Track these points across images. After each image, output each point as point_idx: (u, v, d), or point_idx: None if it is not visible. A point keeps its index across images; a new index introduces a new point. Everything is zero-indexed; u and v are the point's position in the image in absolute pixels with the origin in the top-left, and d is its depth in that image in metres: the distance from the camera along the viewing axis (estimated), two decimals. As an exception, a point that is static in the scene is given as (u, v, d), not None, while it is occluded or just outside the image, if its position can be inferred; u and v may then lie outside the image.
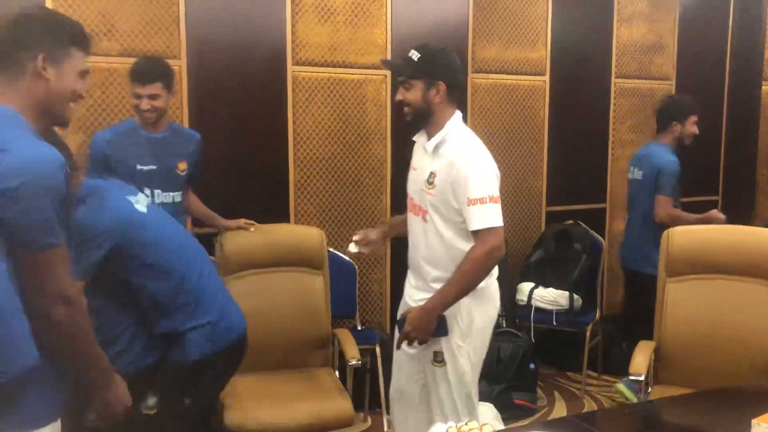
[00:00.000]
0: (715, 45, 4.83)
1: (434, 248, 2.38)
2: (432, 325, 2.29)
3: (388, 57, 3.68)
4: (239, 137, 3.42)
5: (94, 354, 1.64)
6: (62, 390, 1.57)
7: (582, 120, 4.38)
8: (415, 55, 2.34)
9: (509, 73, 4.12)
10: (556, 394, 3.93)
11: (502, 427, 2.83)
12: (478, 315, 2.39)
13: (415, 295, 2.46)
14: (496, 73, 4.08)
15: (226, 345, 2.24)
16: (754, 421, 1.74)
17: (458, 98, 2.46)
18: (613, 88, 4.46)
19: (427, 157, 2.41)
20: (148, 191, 2.75)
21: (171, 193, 2.86)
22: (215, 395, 2.44)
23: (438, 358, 2.38)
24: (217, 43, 3.34)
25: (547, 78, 4.24)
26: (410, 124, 2.43)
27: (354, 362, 2.80)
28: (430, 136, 2.40)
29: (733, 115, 4.87)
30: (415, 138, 2.50)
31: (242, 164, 3.44)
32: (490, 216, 2.24)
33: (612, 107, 4.48)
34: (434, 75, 2.33)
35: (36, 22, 1.57)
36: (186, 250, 2.27)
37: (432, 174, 2.36)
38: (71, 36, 1.60)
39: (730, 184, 4.95)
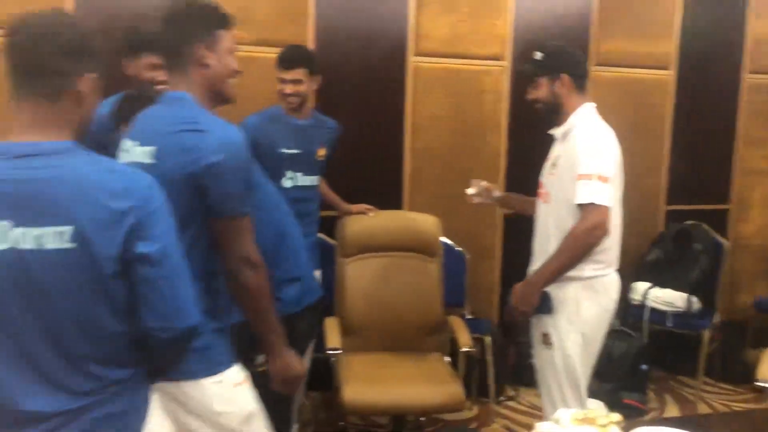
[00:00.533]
0: None
1: (551, 231, 2.43)
2: (535, 300, 2.34)
3: (509, 49, 3.69)
4: (359, 125, 3.51)
5: (273, 316, 1.80)
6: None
7: (708, 116, 4.20)
8: (538, 54, 2.50)
9: (632, 67, 4.02)
10: (668, 397, 3.82)
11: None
12: (588, 303, 2.40)
13: None
14: (619, 66, 3.98)
15: (313, 301, 2.45)
16: None
17: (586, 88, 2.53)
18: (743, 84, 4.25)
19: (557, 145, 2.52)
20: (290, 173, 2.94)
21: (310, 177, 3.02)
22: (302, 352, 2.51)
23: (546, 341, 2.42)
24: (343, 34, 3.46)
25: (672, 72, 4.09)
26: (543, 119, 2.53)
27: (467, 349, 2.85)
28: (560, 125, 2.49)
29: None
30: (551, 131, 2.55)
31: (360, 151, 3.54)
32: (596, 192, 2.24)
33: (741, 104, 4.27)
34: (557, 69, 2.46)
35: (184, 15, 1.75)
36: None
37: (558, 156, 2.46)
38: (217, 20, 1.76)
39: None
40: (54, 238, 1.27)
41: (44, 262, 1.28)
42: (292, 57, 2.91)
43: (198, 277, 1.54)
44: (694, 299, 3.83)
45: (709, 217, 4.17)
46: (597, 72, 3.92)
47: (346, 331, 2.94)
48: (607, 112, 3.95)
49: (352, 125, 3.50)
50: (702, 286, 3.89)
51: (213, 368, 1.71)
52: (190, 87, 1.71)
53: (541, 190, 2.55)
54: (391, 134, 3.62)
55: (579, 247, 2.27)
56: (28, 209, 1.27)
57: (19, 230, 1.27)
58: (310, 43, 3.38)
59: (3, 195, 1.29)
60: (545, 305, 2.36)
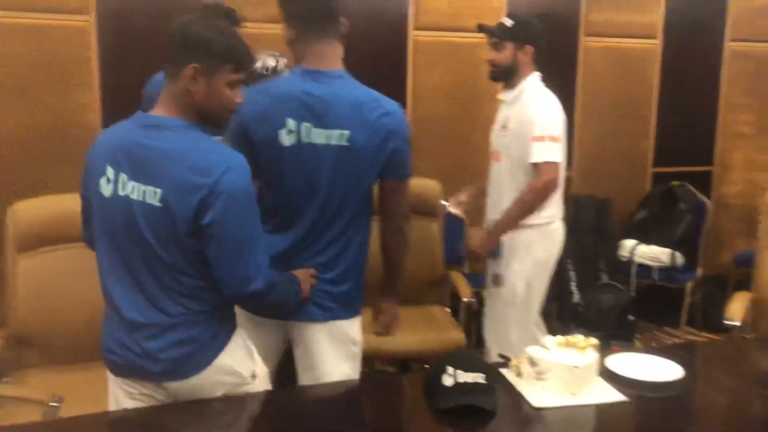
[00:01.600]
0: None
1: (504, 187, 2.78)
2: (492, 246, 2.72)
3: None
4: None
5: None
6: None
7: (692, 83, 4.44)
8: (508, 21, 2.75)
9: (621, 37, 4.24)
10: (653, 345, 4.11)
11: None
12: (539, 247, 2.79)
13: None
14: (608, 36, 4.21)
15: None
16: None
17: (539, 62, 2.80)
18: (726, 52, 4.47)
19: (505, 108, 2.82)
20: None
21: None
22: None
23: (497, 281, 2.80)
24: (347, 9, 3.65)
25: (659, 41, 4.32)
26: (493, 80, 2.85)
27: (467, 299, 3.12)
28: (508, 90, 2.80)
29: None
30: (499, 96, 2.86)
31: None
32: (548, 151, 2.60)
33: (724, 71, 4.50)
34: (524, 39, 2.72)
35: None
36: None
37: (507, 118, 2.77)
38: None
39: None
40: (150, 195, 1.59)
41: (143, 212, 1.61)
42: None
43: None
44: (678, 255, 4.11)
45: (693, 178, 4.42)
46: (587, 42, 4.15)
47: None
48: (596, 80, 4.23)
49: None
50: (686, 243, 4.17)
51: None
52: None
53: (492, 150, 2.88)
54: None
55: (536, 200, 2.64)
56: (140, 169, 1.61)
57: (132, 183, 1.61)
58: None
59: (128, 154, 1.63)
60: (497, 250, 2.75)
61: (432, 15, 3.81)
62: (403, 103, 3.83)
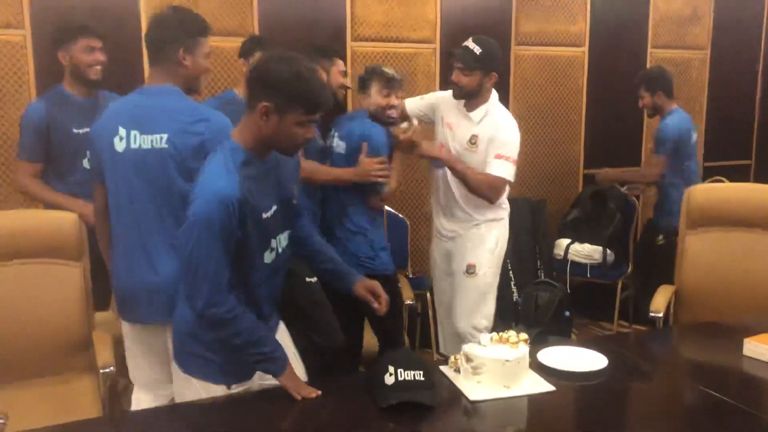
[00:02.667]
0: (751, 14, 5.03)
1: (459, 195, 3.03)
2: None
3: (438, 32, 4.04)
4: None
5: None
6: None
7: (619, 88, 4.66)
8: (477, 49, 2.88)
9: (550, 45, 4.43)
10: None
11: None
12: (501, 239, 3.11)
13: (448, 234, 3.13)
14: (538, 45, 4.39)
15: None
16: (746, 340, 2.11)
17: None
18: (649, 58, 4.73)
19: (468, 123, 2.98)
20: None
21: None
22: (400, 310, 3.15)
23: (471, 270, 3.03)
24: (286, 21, 3.74)
25: (586, 49, 4.53)
26: (456, 98, 3.02)
27: (410, 302, 3.23)
28: (472, 108, 2.97)
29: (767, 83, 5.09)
30: (470, 114, 2.99)
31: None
32: (508, 171, 2.88)
33: (648, 76, 4.74)
34: (491, 68, 2.91)
35: (170, 21, 2.14)
36: None
37: (474, 136, 2.95)
38: (198, 29, 2.15)
39: (764, 149, 5.19)
40: (158, 141, 2.06)
41: (155, 155, 2.06)
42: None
43: None
44: (609, 252, 4.32)
45: (621, 178, 4.64)
46: (518, 51, 4.33)
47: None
48: (528, 87, 4.41)
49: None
50: (616, 241, 4.38)
51: None
52: (170, 81, 2.14)
53: None
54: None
55: (484, 190, 2.89)
56: (146, 123, 2.08)
57: (142, 136, 2.08)
58: (255, 32, 3.66)
59: (137, 115, 2.11)
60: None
61: (368, 26, 3.92)
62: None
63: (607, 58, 4.59)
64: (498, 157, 2.86)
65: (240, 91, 3.24)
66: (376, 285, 2.10)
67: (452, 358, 1.98)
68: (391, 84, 2.89)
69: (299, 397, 1.82)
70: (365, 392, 1.83)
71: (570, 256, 4.33)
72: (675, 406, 1.92)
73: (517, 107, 4.30)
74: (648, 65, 4.71)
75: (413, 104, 3.22)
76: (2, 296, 2.43)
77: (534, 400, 1.83)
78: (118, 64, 3.11)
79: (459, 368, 1.93)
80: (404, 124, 2.88)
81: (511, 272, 4.33)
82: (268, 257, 1.90)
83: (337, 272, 2.14)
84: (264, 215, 1.83)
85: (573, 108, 4.59)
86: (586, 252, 4.32)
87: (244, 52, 3.18)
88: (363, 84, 2.95)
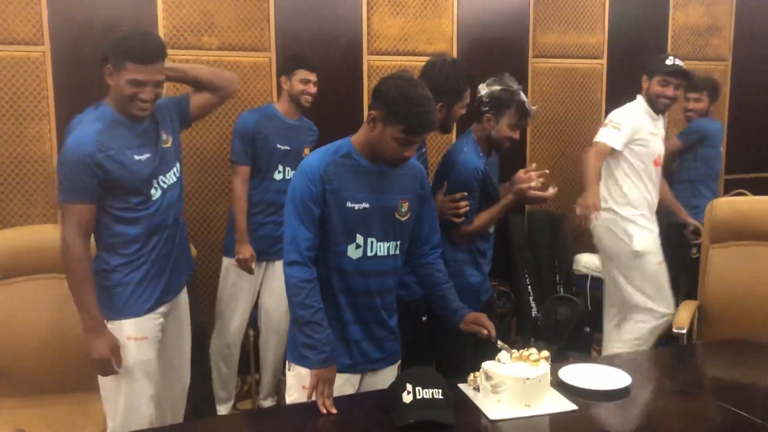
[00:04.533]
0: (772, 25, 4.97)
1: None
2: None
3: (455, 45, 4.03)
4: (321, 123, 3.81)
5: None
6: None
7: (638, 100, 4.61)
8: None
9: (568, 57, 4.40)
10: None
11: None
12: None
13: None
14: (556, 57, 4.36)
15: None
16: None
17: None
18: (668, 70, 4.66)
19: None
20: (281, 167, 3.21)
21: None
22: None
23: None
24: (302, 37, 3.74)
25: (604, 61, 4.49)
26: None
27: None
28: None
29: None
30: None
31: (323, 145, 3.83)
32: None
33: (667, 88, 4.68)
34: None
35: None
36: None
37: None
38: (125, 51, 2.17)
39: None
40: None
41: None
42: (314, 60, 3.26)
43: None
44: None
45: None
46: (536, 63, 4.30)
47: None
48: (546, 100, 4.37)
49: (317, 121, 3.80)
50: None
51: None
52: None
53: None
54: (351, 130, 3.89)
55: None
56: None
57: None
58: (272, 47, 3.66)
59: None
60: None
61: (384, 40, 3.91)
62: (360, 125, 3.92)
63: (625, 69, 4.54)
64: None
65: (279, 106, 3.27)
66: (481, 317, 2.10)
67: (471, 376, 1.94)
68: (527, 118, 2.58)
69: (309, 399, 1.89)
70: (383, 411, 1.79)
71: (590, 272, 4.27)
72: (701, 426, 1.87)
73: (534, 120, 4.26)
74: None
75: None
76: (41, 308, 2.47)
77: (556, 419, 1.78)
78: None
79: (478, 386, 1.89)
80: (552, 190, 2.54)
81: (529, 287, 4.28)
82: (353, 252, 1.99)
83: (447, 306, 2.17)
84: (349, 204, 1.96)
85: (592, 120, 4.54)
86: (606, 266, 4.25)
87: (286, 69, 3.25)
88: (498, 109, 2.52)
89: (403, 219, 2.06)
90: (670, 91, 3.33)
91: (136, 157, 2.20)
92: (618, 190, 3.36)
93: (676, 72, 3.31)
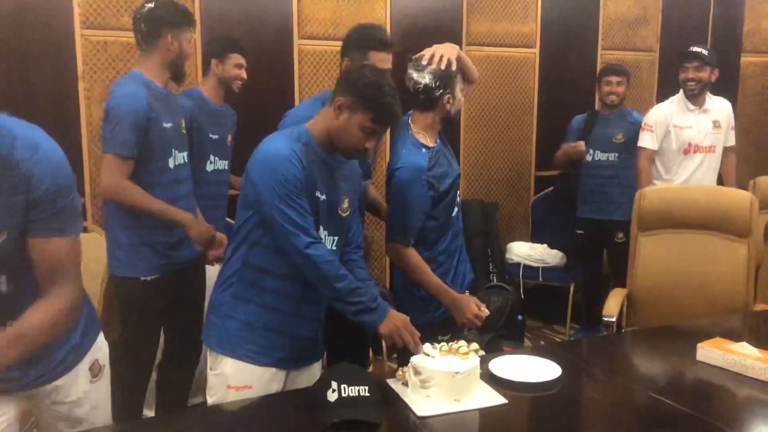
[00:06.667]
0: (697, 17, 5.08)
1: None
2: None
3: (388, 31, 3.94)
4: (250, 107, 3.67)
5: None
6: None
7: (570, 89, 4.65)
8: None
9: (501, 46, 4.39)
10: (543, 343, 4.26)
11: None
12: None
13: None
14: (489, 45, 4.34)
15: None
16: (699, 345, 2.06)
17: None
18: (599, 60, 4.72)
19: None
20: (212, 158, 3.05)
21: (223, 161, 3.13)
22: None
23: None
24: (229, 19, 3.60)
25: (537, 50, 4.50)
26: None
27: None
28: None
29: (714, 85, 5.13)
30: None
31: (253, 132, 3.69)
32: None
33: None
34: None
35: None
36: None
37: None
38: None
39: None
40: None
41: None
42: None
43: None
44: (562, 255, 4.29)
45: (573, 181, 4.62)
46: (469, 51, 4.26)
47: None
48: (480, 88, 4.35)
49: (245, 107, 3.66)
50: (568, 244, 4.35)
51: None
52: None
53: None
54: (280, 114, 3.78)
55: None
56: None
57: None
58: (198, 30, 3.50)
59: None
60: None
61: (316, 24, 3.80)
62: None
63: (558, 59, 4.57)
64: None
65: (206, 90, 3.07)
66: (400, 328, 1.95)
67: (400, 371, 1.88)
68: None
69: (405, 344, 1.88)
70: (308, 409, 1.71)
71: (523, 260, 4.29)
72: (628, 415, 1.86)
73: (468, 108, 4.24)
74: (598, 67, 4.71)
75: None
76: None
77: (486, 413, 1.74)
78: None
79: (407, 382, 1.83)
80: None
81: (463, 276, 4.27)
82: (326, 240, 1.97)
83: None
84: (317, 194, 1.91)
85: (525, 109, 4.55)
86: (538, 255, 4.27)
87: (216, 52, 3.07)
88: (449, 84, 2.36)
89: (344, 215, 2.01)
90: (690, 74, 3.70)
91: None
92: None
93: (689, 55, 3.71)
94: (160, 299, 2.62)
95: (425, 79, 2.34)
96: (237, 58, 3.06)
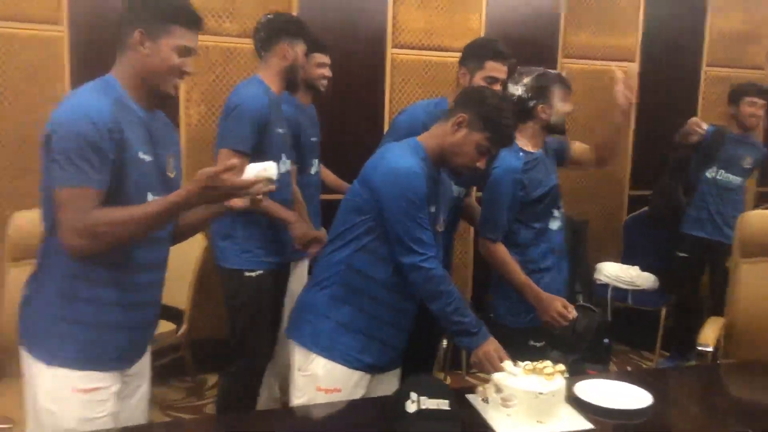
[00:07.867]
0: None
1: None
2: None
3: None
4: (341, 113, 3.72)
5: None
6: None
7: (670, 106, 4.46)
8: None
9: (599, 59, 4.26)
10: (629, 369, 4.09)
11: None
12: None
13: None
14: (587, 59, 4.22)
15: None
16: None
17: None
18: (703, 76, 4.51)
19: None
20: (315, 161, 3.07)
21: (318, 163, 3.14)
22: None
23: None
24: (326, 24, 3.64)
25: (636, 64, 4.34)
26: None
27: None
28: None
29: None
30: None
31: (343, 137, 3.73)
32: None
33: (701, 95, 4.53)
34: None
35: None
36: None
37: None
38: (170, 12, 1.71)
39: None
40: None
41: None
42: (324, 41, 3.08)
43: None
44: (654, 278, 4.10)
45: (669, 201, 4.42)
46: (566, 64, 4.16)
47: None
48: (577, 104, 4.21)
49: (335, 113, 3.71)
50: (661, 267, 4.16)
51: None
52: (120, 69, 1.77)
53: None
54: (371, 121, 3.82)
55: None
56: None
57: None
58: (294, 35, 3.57)
59: None
60: None
61: (409, 33, 3.81)
62: (381, 120, 3.83)
63: (658, 74, 4.39)
64: None
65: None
66: None
67: (480, 387, 1.83)
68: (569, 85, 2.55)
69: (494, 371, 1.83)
70: (385, 420, 1.69)
71: (612, 281, 4.13)
72: (725, 453, 1.74)
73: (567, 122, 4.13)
74: (702, 84, 4.50)
75: None
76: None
77: (569, 438, 1.67)
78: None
79: (487, 398, 1.78)
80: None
81: (548, 294, 4.15)
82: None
83: None
84: (431, 209, 1.93)
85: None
86: (628, 277, 4.11)
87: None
88: (544, 95, 2.45)
89: (440, 230, 2.07)
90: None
91: None
92: None
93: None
94: (266, 294, 2.71)
95: (518, 91, 2.47)
96: (319, 57, 3.02)
